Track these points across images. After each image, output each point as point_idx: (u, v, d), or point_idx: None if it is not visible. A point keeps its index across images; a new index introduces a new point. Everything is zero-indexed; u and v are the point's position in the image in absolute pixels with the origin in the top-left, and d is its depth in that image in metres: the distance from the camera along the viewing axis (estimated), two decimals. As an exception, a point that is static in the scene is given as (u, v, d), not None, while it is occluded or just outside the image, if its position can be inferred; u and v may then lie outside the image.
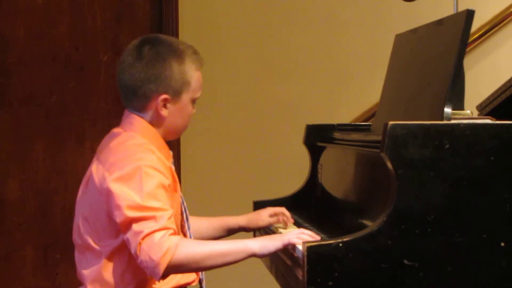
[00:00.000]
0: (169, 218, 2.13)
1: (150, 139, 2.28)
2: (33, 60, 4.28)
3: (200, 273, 2.42)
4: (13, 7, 4.27)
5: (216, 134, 4.24)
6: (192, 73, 2.31)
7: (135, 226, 2.10)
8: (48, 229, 4.30)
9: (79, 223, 2.29)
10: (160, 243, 2.07)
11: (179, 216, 2.37)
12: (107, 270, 2.23)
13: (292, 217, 2.62)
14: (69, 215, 4.26)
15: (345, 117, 4.08)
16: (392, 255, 1.89)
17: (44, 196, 4.30)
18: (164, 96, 2.27)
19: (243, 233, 2.67)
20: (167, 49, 2.30)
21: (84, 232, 2.26)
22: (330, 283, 1.87)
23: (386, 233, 1.89)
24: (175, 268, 2.10)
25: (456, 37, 2.16)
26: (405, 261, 1.89)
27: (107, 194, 2.16)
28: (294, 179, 3.06)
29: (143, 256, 2.08)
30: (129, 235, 2.11)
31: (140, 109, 2.30)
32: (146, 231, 2.08)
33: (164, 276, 2.12)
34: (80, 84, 4.31)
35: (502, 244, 1.93)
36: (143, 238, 2.08)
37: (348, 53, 4.24)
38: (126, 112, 2.34)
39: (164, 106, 2.29)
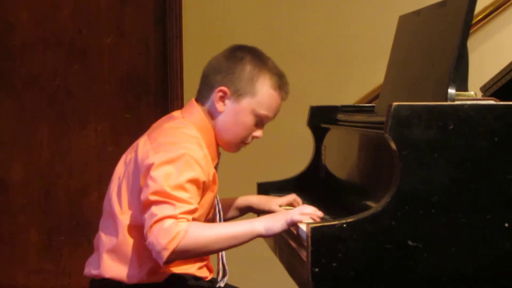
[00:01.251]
0: (189, 211, 2.14)
1: (203, 135, 2.32)
2: (37, 43, 4.28)
3: (215, 271, 2.43)
4: (16, -10, 4.27)
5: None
6: (264, 87, 2.34)
7: (154, 209, 2.13)
8: (52, 212, 4.31)
9: (113, 191, 2.32)
10: (169, 228, 2.08)
11: (204, 216, 2.37)
12: (126, 243, 2.26)
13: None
14: (73, 198, 4.29)
15: (349, 98, 4.07)
16: (396, 236, 1.89)
17: (48, 179, 4.31)
18: (223, 88, 2.31)
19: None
20: (251, 55, 2.36)
21: (114, 200, 2.30)
22: (334, 264, 1.88)
23: (390, 214, 1.89)
24: (182, 253, 2.11)
25: (460, 18, 2.15)
26: (409, 242, 1.90)
27: (145, 171, 2.20)
28: (298, 161, 3.06)
29: (151, 238, 2.10)
30: (146, 215, 2.14)
31: (203, 98, 2.37)
32: (160, 215, 2.10)
33: (168, 261, 2.13)
34: (83, 67, 4.30)
35: (506, 225, 1.93)
36: (155, 222, 2.10)
37: (352, 35, 4.22)
38: (191, 100, 2.39)
39: (222, 99, 2.32)
